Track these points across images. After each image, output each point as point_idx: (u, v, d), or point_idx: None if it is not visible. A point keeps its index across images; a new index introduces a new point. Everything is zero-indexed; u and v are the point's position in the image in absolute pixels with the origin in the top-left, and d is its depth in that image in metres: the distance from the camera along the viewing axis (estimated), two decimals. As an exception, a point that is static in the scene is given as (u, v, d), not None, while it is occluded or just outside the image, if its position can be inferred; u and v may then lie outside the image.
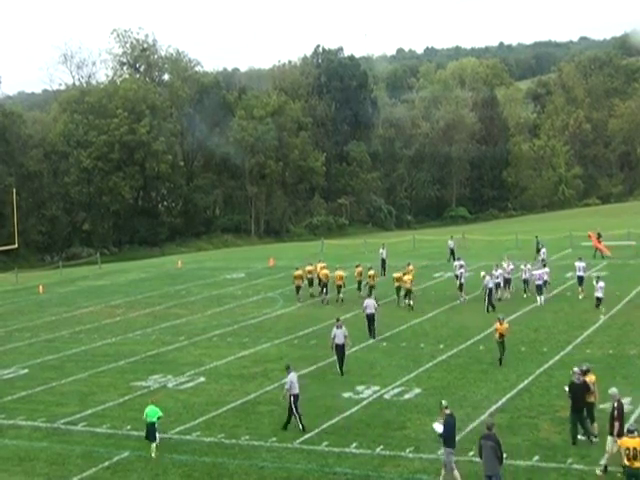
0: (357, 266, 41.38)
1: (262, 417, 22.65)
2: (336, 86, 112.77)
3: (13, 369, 30.28)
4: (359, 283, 40.42)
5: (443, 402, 18.27)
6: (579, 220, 79.80)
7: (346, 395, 24.06)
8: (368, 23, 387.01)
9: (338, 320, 26.69)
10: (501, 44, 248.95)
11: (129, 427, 22.40)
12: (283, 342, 32.04)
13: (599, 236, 51.17)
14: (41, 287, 52.08)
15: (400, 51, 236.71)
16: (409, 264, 40.74)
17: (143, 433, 21.71)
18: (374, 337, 31.32)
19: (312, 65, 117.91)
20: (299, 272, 41.04)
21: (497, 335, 26.26)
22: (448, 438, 17.36)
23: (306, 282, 41.63)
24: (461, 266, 39.54)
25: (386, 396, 23.89)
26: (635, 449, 15.51)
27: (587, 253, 50.66)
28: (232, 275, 52.70)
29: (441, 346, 29.50)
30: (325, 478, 18.30)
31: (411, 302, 36.93)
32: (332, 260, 51.76)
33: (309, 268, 42.49)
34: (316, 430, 21.22)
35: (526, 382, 24.38)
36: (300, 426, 21.23)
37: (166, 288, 49.24)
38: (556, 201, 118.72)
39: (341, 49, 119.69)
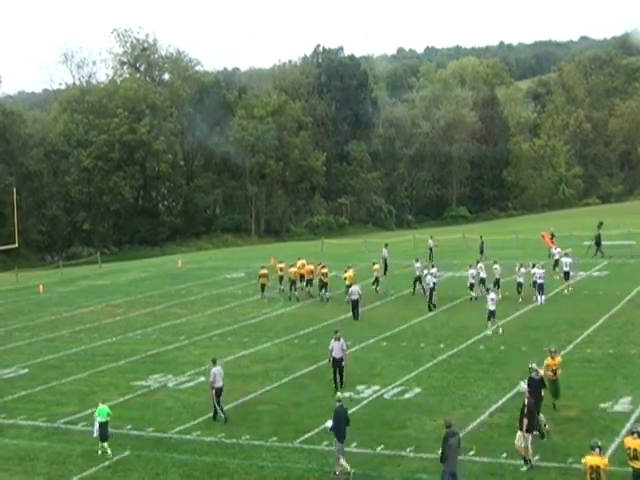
0: (319, 264, 42.25)
1: (262, 416, 22.65)
2: (336, 86, 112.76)
3: (13, 369, 30.28)
4: (320, 281, 41.10)
5: (338, 394, 19.12)
6: (579, 220, 79.73)
7: (346, 395, 24.03)
8: (368, 23, 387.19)
9: (336, 332, 24.99)
10: (501, 43, 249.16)
11: (129, 427, 22.40)
12: (283, 342, 32.04)
13: (552, 236, 51.66)
14: (41, 287, 52.06)
15: (400, 50, 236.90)
16: (374, 263, 42.28)
17: (143, 433, 21.81)
18: (357, 319, 34.78)
19: (312, 65, 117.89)
20: (264, 271, 42.02)
21: (549, 372, 21.37)
22: (337, 430, 18.14)
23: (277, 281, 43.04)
24: (433, 266, 39.89)
25: (386, 396, 23.89)
26: (635, 450, 15.50)
27: (587, 252, 50.69)
28: (232, 275, 52.68)
29: (441, 346, 29.49)
30: (325, 477, 18.30)
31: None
32: (332, 260, 51.75)
33: (280, 265, 43.64)
34: (316, 430, 21.21)
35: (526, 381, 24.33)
36: (223, 417, 22.32)
37: (166, 288, 49.24)
38: (556, 201, 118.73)
39: (341, 48, 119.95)
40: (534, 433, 18.61)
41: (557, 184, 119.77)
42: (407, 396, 23.71)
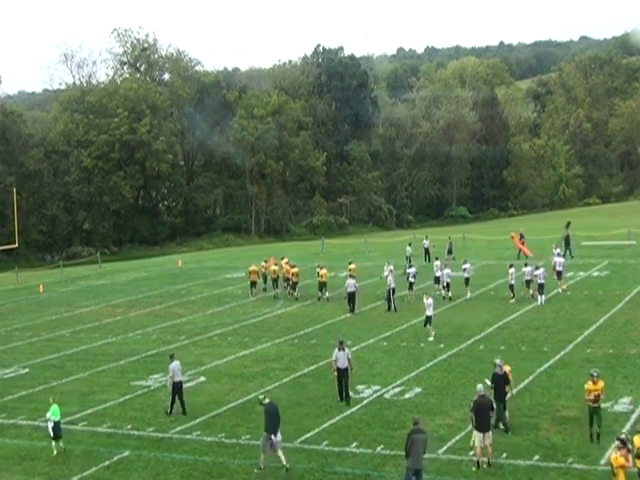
0: (286, 262, 43.60)
1: (262, 416, 22.61)
2: (336, 85, 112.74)
3: (14, 368, 30.30)
4: (291, 280, 42.00)
5: (260, 397, 19.78)
6: (579, 220, 79.69)
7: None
8: (368, 22, 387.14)
9: (341, 343, 23.84)
10: (501, 43, 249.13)
11: (129, 426, 22.43)
12: (283, 341, 32.05)
13: (522, 237, 51.76)
14: (41, 286, 52.09)
15: (400, 50, 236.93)
16: (350, 263, 42.61)
17: (144, 432, 21.84)
18: (353, 312, 36.05)
19: (312, 64, 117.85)
20: (254, 268, 43.10)
21: (590, 398, 19.33)
22: (268, 424, 18.91)
23: (261, 279, 43.90)
24: (411, 265, 40.43)
25: (386, 395, 23.89)
26: (639, 448, 15.51)
27: (587, 252, 50.75)
28: (232, 274, 52.68)
29: (441, 345, 29.48)
30: (325, 477, 18.31)
31: (326, 295, 39.78)
32: (333, 260, 51.79)
33: (264, 265, 44.55)
34: (316, 429, 21.25)
35: (526, 381, 24.36)
36: (182, 410, 23.00)
37: (166, 287, 49.27)
38: (556, 200, 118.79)
39: (341, 48, 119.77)
40: (500, 427, 19.46)
41: (557, 184, 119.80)
42: (407, 396, 23.71)
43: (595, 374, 19.46)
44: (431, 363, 27.21)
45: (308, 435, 20.91)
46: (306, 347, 30.79)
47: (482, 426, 18.17)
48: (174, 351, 31.24)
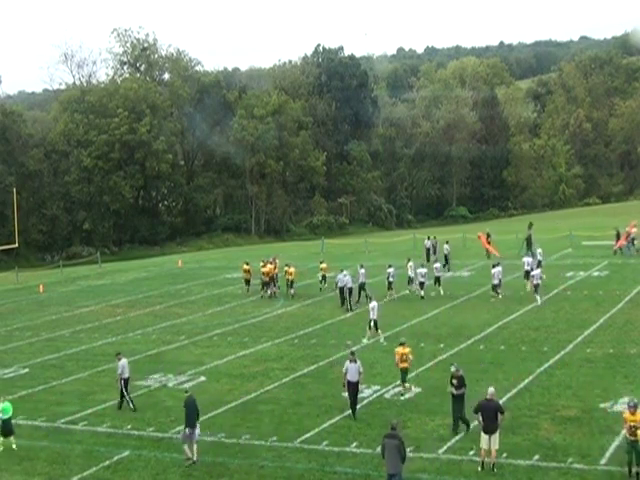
0: (268, 263, 44.29)
1: (262, 416, 22.66)
2: (336, 85, 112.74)
3: (14, 368, 30.30)
4: (261, 279, 43.20)
5: (187, 392, 20.46)
6: (579, 219, 79.80)
7: (346, 394, 24.00)
8: (368, 22, 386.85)
9: (353, 354, 22.86)
10: (501, 43, 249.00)
11: (129, 426, 22.43)
12: (283, 341, 32.06)
13: (488, 236, 51.81)
14: (41, 286, 52.08)
15: (400, 50, 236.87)
16: (321, 262, 44.28)
17: (144, 432, 21.85)
18: (343, 305, 37.48)
19: (312, 64, 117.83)
20: (247, 267, 44.20)
21: (627, 430, 17.42)
22: (187, 417, 19.65)
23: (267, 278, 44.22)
24: (390, 266, 40.55)
25: (386, 395, 23.90)
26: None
27: (587, 252, 50.71)
28: (232, 274, 52.66)
29: (441, 345, 29.49)
30: (325, 477, 18.30)
31: (292, 291, 41.79)
32: (332, 260, 51.70)
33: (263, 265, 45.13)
34: (316, 429, 21.25)
35: (526, 381, 24.38)
36: (131, 406, 23.90)
37: (166, 287, 49.26)
38: (556, 200, 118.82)
39: (341, 48, 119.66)
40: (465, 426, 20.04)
41: (557, 184, 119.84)
42: (407, 396, 23.71)
43: (632, 404, 17.50)
44: (431, 363, 27.21)
45: (308, 435, 20.91)
46: (306, 347, 30.80)
47: (488, 428, 18.14)
48: (174, 351, 31.48)
